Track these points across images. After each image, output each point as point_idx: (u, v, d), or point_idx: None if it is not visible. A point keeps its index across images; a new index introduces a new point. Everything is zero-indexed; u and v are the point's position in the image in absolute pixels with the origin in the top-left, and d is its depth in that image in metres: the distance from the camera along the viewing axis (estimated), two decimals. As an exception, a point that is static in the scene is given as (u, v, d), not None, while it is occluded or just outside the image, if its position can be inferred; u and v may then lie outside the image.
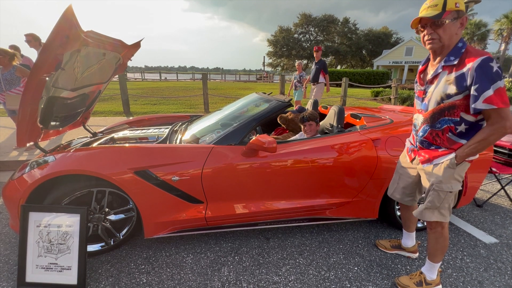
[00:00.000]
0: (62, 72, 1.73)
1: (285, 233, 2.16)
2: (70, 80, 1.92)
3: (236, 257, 1.87)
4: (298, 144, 1.97)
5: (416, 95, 1.48)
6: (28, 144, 1.92)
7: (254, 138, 1.75)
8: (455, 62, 1.23)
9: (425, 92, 1.38)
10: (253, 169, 1.83)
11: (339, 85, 8.35)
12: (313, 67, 5.82)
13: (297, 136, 2.57)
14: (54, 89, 1.80)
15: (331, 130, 2.30)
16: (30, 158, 3.44)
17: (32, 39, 4.10)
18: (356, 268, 1.79)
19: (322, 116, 2.95)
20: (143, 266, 1.76)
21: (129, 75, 31.92)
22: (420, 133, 1.44)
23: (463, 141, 1.31)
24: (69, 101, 2.10)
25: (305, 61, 41.22)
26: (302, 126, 2.43)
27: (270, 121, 3.14)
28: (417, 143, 1.50)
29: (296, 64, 6.41)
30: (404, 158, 1.67)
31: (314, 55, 5.69)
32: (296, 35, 40.41)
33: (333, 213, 2.06)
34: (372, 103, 10.16)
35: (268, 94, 2.65)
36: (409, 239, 1.90)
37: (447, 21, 1.21)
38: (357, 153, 1.94)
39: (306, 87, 6.21)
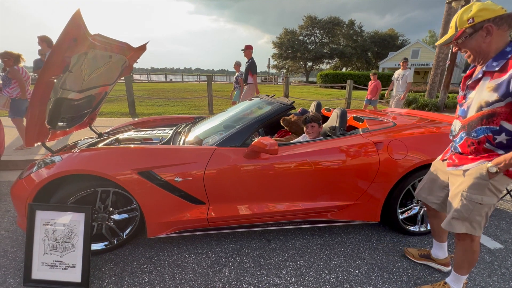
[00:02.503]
0: (70, 74, 1.77)
1: (287, 235, 2.17)
2: (77, 82, 1.97)
3: (237, 258, 1.88)
4: (300, 147, 1.98)
5: (458, 100, 1.44)
6: (36, 144, 1.97)
7: (256, 140, 1.77)
8: (497, 68, 1.18)
9: (465, 97, 1.34)
10: (255, 171, 1.85)
11: (343, 88, 8.28)
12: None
13: (299, 139, 2.58)
14: (62, 90, 1.85)
15: (334, 133, 2.30)
16: (36, 158, 3.51)
17: (40, 41, 4.21)
18: (357, 271, 1.78)
19: (326, 119, 2.95)
20: (145, 266, 1.78)
21: (135, 76, 32.29)
22: (457, 140, 1.39)
23: (502, 152, 1.23)
24: (76, 102, 2.14)
25: (310, 63, 41.20)
26: (304, 128, 2.45)
27: (273, 123, 3.15)
28: (452, 149, 1.47)
29: (234, 65, 6.25)
30: (438, 158, 1.62)
31: (244, 54, 5.40)
32: (301, 37, 40.44)
33: (334, 216, 2.06)
34: (377, 106, 10.09)
35: (271, 97, 2.67)
36: (440, 250, 1.77)
37: (460, 41, 1.25)
38: (359, 156, 1.94)
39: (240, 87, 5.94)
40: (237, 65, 6.22)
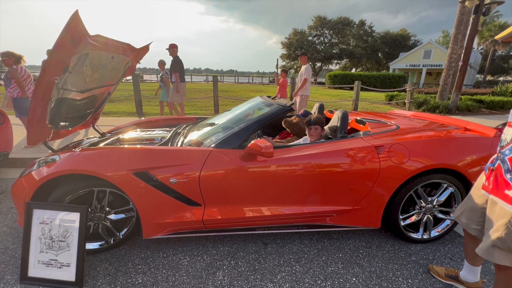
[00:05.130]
0: (71, 74, 1.79)
1: (284, 239, 2.13)
2: (80, 82, 1.99)
3: (232, 262, 1.86)
4: (298, 149, 1.94)
5: None
6: (38, 143, 2.01)
7: (252, 142, 1.75)
8: None
9: None
10: (251, 174, 1.82)
11: (352, 88, 8.15)
12: None
13: (300, 141, 2.54)
14: (63, 90, 1.88)
15: (334, 135, 2.25)
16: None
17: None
18: (354, 279, 1.73)
19: (328, 121, 2.89)
20: (140, 266, 1.79)
21: (146, 76, 32.83)
22: (507, 151, 1.18)
23: None
24: (79, 102, 2.17)
25: (319, 64, 40.84)
26: (307, 129, 2.41)
27: (275, 125, 3.12)
28: (498, 161, 1.24)
29: (158, 63, 6.20)
30: (480, 179, 1.42)
31: (169, 53, 5.33)
32: (310, 38, 40.10)
33: (333, 221, 2.01)
34: (386, 108, 9.91)
35: (273, 98, 2.64)
36: (472, 274, 1.62)
37: None
38: (358, 160, 1.89)
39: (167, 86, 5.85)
40: (161, 63, 6.19)
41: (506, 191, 1.17)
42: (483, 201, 1.36)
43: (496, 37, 1.24)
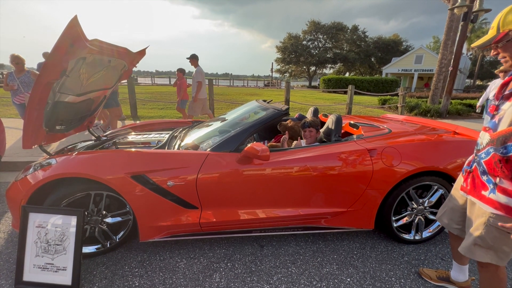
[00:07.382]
0: (68, 78, 1.80)
1: (280, 241, 2.16)
2: (76, 86, 2.00)
3: (228, 264, 1.88)
4: (293, 153, 1.98)
5: (487, 109, 1.25)
6: (33, 147, 2.00)
7: (248, 146, 1.78)
8: None
9: (497, 108, 1.17)
10: (247, 177, 1.85)
11: (346, 92, 8.31)
12: None
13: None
14: (60, 94, 1.88)
15: (329, 139, 2.30)
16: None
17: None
18: (348, 280, 1.77)
19: (323, 124, 2.95)
20: (136, 269, 1.79)
21: (140, 79, 32.64)
22: (483, 155, 1.22)
23: None
24: (75, 106, 2.18)
25: (313, 68, 41.29)
26: (302, 132, 2.46)
27: (270, 128, 3.17)
28: (474, 164, 1.30)
29: None
30: (459, 180, 1.47)
31: None
32: (304, 42, 40.60)
33: (328, 223, 2.05)
34: (379, 111, 10.07)
35: (268, 102, 2.69)
36: (461, 273, 1.66)
37: (501, 44, 1.11)
38: (352, 163, 1.94)
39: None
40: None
41: (483, 192, 1.23)
42: (462, 201, 1.42)
43: (472, 45, 1.29)
